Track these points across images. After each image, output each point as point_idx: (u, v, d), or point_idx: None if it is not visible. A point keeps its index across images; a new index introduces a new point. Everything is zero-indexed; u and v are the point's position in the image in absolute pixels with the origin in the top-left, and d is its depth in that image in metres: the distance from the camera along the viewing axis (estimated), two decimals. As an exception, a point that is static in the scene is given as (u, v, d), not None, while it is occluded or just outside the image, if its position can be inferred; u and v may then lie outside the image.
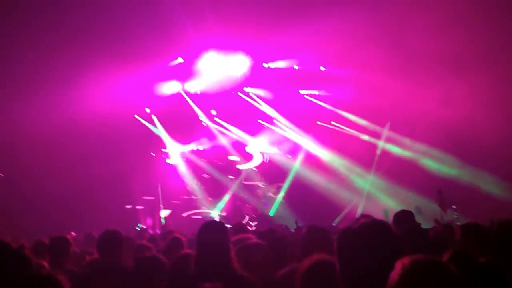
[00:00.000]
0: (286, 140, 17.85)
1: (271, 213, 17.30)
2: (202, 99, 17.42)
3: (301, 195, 16.85)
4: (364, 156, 16.51)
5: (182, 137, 17.63)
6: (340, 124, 17.63)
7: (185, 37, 14.37)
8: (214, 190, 17.52)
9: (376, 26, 13.47)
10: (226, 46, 15.67)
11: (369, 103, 15.86)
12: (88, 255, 5.22)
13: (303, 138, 17.70)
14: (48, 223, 12.28)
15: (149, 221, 16.23)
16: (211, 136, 17.72)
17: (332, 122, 17.71)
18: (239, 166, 17.83)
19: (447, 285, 1.57)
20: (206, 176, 17.65)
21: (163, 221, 16.33)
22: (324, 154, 17.38)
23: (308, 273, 2.48)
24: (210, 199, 17.27)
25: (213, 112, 17.78)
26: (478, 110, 12.97)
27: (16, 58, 13.26)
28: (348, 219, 15.44)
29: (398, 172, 15.28)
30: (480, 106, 12.98)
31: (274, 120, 17.80)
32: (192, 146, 17.83)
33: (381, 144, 16.92)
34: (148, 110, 17.30)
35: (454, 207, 12.76)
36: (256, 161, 17.95)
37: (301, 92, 17.70)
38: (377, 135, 17.09)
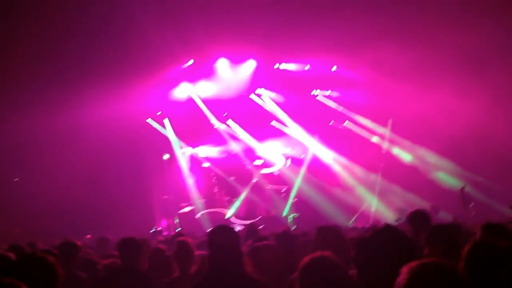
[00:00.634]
0: (298, 142, 17.87)
1: (284, 213, 17.35)
2: (214, 102, 17.47)
3: (314, 197, 16.88)
4: (374, 157, 16.52)
5: (193, 140, 17.74)
6: (353, 125, 17.61)
7: (197, 39, 14.46)
8: (229, 191, 17.63)
9: (389, 25, 13.43)
10: (237, 48, 15.70)
11: (378, 104, 15.95)
12: (104, 258, 5.25)
13: (314, 140, 17.69)
14: (65, 226, 12.43)
15: (164, 223, 16.35)
16: (223, 140, 17.78)
17: (347, 122, 17.68)
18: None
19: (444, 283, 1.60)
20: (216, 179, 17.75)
21: (176, 220, 16.45)
22: (334, 156, 17.38)
23: (307, 268, 2.50)
24: (227, 198, 17.39)
25: (225, 115, 17.83)
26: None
27: (35, 58, 13.44)
28: (362, 219, 15.44)
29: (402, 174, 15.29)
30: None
31: (286, 122, 17.81)
32: (205, 150, 17.92)
33: (386, 145, 16.94)
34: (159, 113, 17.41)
35: (472, 203, 12.69)
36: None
37: (314, 93, 17.68)
38: (386, 138, 17.11)
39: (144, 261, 4.48)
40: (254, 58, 16.85)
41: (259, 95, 17.82)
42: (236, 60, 16.90)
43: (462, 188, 12.43)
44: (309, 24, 13.83)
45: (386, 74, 15.21)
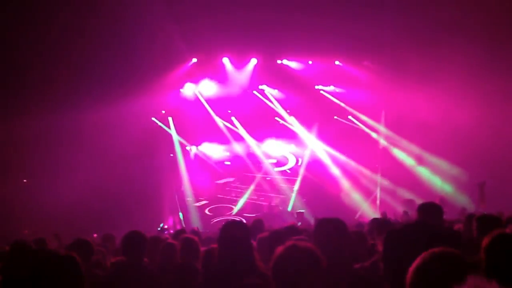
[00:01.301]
0: (300, 137, 17.99)
1: (289, 208, 17.51)
2: (218, 100, 17.54)
3: (320, 190, 16.99)
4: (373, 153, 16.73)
5: (198, 138, 17.84)
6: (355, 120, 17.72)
7: (200, 37, 14.51)
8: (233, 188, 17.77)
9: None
10: (240, 45, 15.75)
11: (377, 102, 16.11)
12: (112, 256, 5.33)
13: (316, 134, 17.78)
14: (73, 226, 12.51)
15: (170, 220, 16.48)
16: (227, 138, 17.87)
17: (349, 117, 17.75)
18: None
19: (458, 272, 1.68)
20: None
21: (181, 216, 16.58)
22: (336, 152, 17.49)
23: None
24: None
25: (229, 112, 17.90)
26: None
27: (44, 59, 13.56)
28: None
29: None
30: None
31: (288, 119, 17.90)
32: (210, 148, 18.02)
33: (382, 140, 17.13)
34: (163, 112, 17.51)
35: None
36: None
37: (317, 87, 17.75)
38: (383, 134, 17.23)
39: (155, 256, 4.57)
40: (257, 55, 16.90)
41: (262, 92, 17.88)
42: (239, 58, 16.96)
43: (482, 184, 12.41)
44: (309, 21, 13.87)
45: (386, 73, 15.40)
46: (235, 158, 18.10)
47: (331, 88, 17.77)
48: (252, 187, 17.76)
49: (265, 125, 17.62)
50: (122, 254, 4.19)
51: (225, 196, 17.87)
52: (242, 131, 17.73)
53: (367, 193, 16.82)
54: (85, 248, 4.34)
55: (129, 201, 14.89)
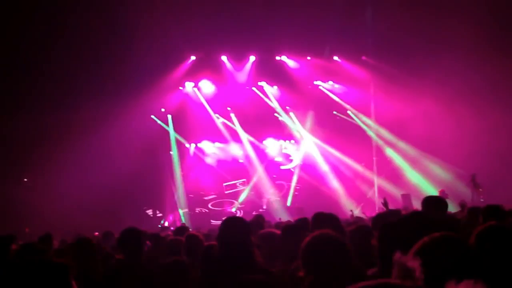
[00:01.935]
0: (298, 134, 18.02)
1: (288, 203, 17.59)
2: (217, 97, 17.53)
3: (319, 187, 17.05)
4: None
5: (197, 136, 17.84)
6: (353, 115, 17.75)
7: (199, 36, 14.51)
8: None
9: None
10: (238, 41, 15.72)
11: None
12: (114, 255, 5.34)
13: (313, 130, 17.82)
14: (74, 225, 12.52)
15: (171, 218, 16.51)
16: (225, 136, 17.87)
17: (348, 112, 17.77)
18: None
19: (457, 254, 1.71)
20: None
21: (181, 213, 16.61)
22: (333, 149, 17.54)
23: (309, 245, 2.51)
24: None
25: (228, 109, 17.89)
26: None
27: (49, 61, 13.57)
28: (368, 208, 15.58)
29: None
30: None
31: (288, 115, 17.92)
32: (208, 146, 18.02)
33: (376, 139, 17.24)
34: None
35: (481, 190, 12.76)
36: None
37: (316, 83, 17.75)
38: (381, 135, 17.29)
39: (159, 254, 4.60)
40: (255, 52, 16.88)
41: (261, 88, 17.88)
42: (238, 56, 16.94)
43: (473, 176, 12.47)
44: (306, 17, 13.89)
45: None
46: (233, 158, 18.11)
47: (329, 83, 17.78)
48: (251, 184, 17.78)
49: (264, 123, 17.60)
50: (119, 251, 4.18)
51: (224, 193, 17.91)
52: (240, 129, 17.73)
53: (369, 185, 16.88)
54: (86, 246, 4.36)
55: (130, 199, 14.92)
